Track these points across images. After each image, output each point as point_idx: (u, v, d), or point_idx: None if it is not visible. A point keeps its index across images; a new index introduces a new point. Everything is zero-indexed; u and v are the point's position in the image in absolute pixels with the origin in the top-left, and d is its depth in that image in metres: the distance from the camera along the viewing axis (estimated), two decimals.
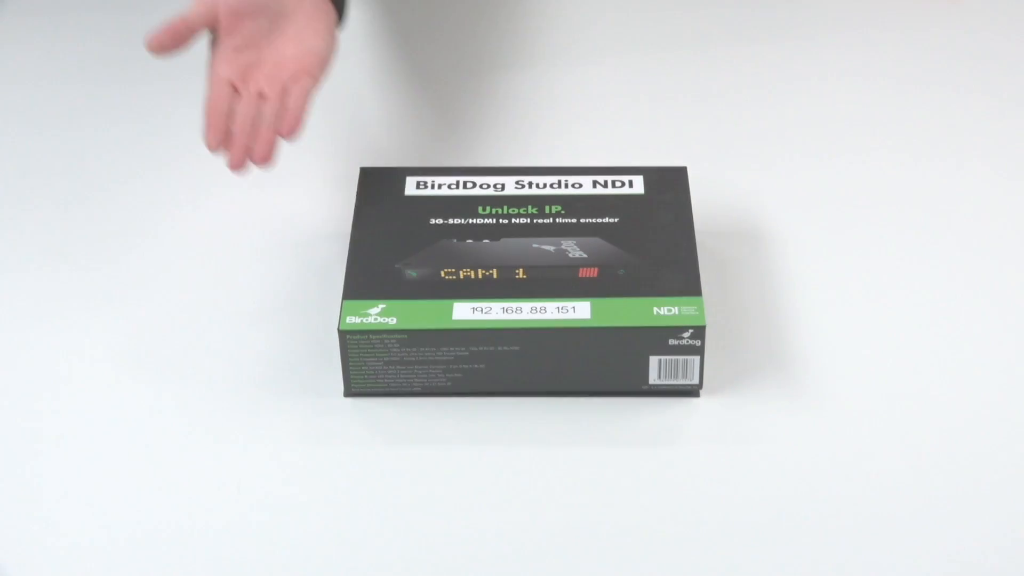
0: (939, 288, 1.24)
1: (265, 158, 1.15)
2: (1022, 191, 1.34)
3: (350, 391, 1.15)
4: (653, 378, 1.14)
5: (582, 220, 1.21)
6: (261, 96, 1.18)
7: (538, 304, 1.13)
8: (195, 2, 1.18)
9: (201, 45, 1.41)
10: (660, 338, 1.12)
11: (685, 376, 1.14)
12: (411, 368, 1.13)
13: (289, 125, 1.15)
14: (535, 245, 1.18)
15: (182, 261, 1.28)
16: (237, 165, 1.15)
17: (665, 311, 1.13)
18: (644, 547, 1.04)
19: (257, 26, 1.19)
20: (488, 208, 1.22)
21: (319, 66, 1.19)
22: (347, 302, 1.14)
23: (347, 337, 1.12)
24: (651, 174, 1.25)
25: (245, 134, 1.15)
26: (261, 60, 1.19)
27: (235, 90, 1.18)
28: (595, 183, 1.24)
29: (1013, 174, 1.36)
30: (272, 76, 1.18)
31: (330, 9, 1.22)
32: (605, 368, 1.13)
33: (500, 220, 1.21)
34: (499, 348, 1.12)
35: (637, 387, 1.14)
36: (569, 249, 1.18)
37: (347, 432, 1.13)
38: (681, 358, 1.13)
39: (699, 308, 1.13)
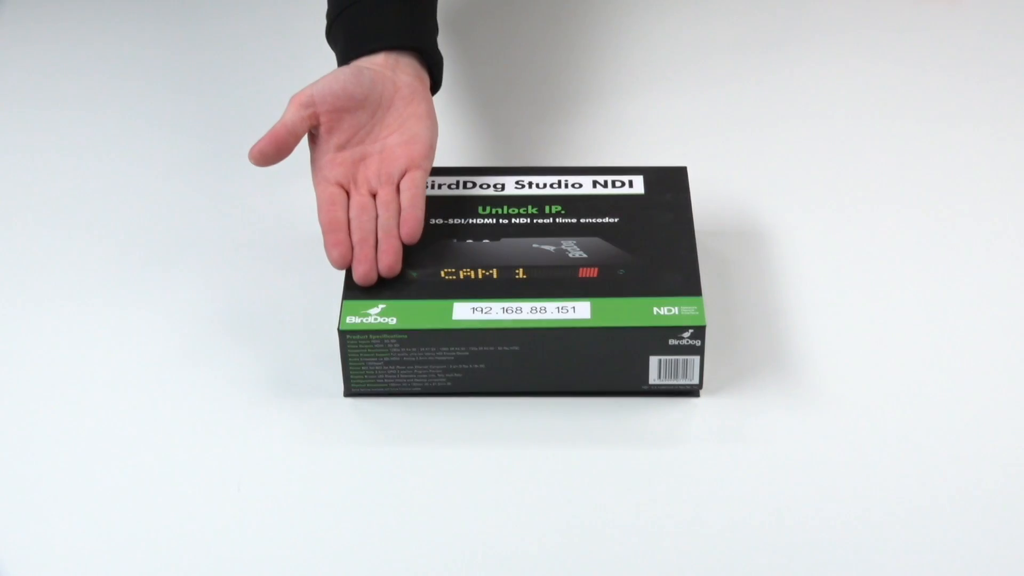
0: (939, 288, 1.24)
1: (392, 268, 1.14)
2: (1022, 191, 1.34)
3: (350, 391, 1.15)
4: (653, 378, 1.14)
5: (582, 220, 1.21)
6: (373, 195, 1.17)
7: (538, 304, 1.13)
8: (292, 106, 1.16)
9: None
10: (660, 338, 1.12)
11: (685, 376, 1.14)
12: (411, 368, 1.13)
13: (409, 230, 1.15)
14: (535, 245, 1.18)
15: (182, 261, 1.28)
16: (366, 280, 1.14)
17: (665, 311, 1.13)
18: (644, 547, 1.04)
19: (357, 120, 1.18)
20: (488, 208, 1.22)
21: (425, 154, 1.19)
22: (347, 302, 1.14)
23: (347, 337, 1.12)
24: (651, 174, 1.25)
25: (368, 246, 1.14)
26: (366, 154, 1.18)
27: (344, 191, 1.17)
28: (595, 183, 1.24)
29: (1013, 174, 1.36)
30: (381, 171, 1.18)
31: (424, 88, 1.20)
32: (605, 368, 1.13)
33: (500, 220, 1.21)
34: (499, 348, 1.12)
35: (637, 387, 1.14)
36: (569, 249, 1.18)
37: (347, 432, 1.13)
38: (681, 358, 1.13)
39: (699, 308, 1.13)
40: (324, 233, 1.15)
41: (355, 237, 1.15)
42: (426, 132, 1.19)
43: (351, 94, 1.17)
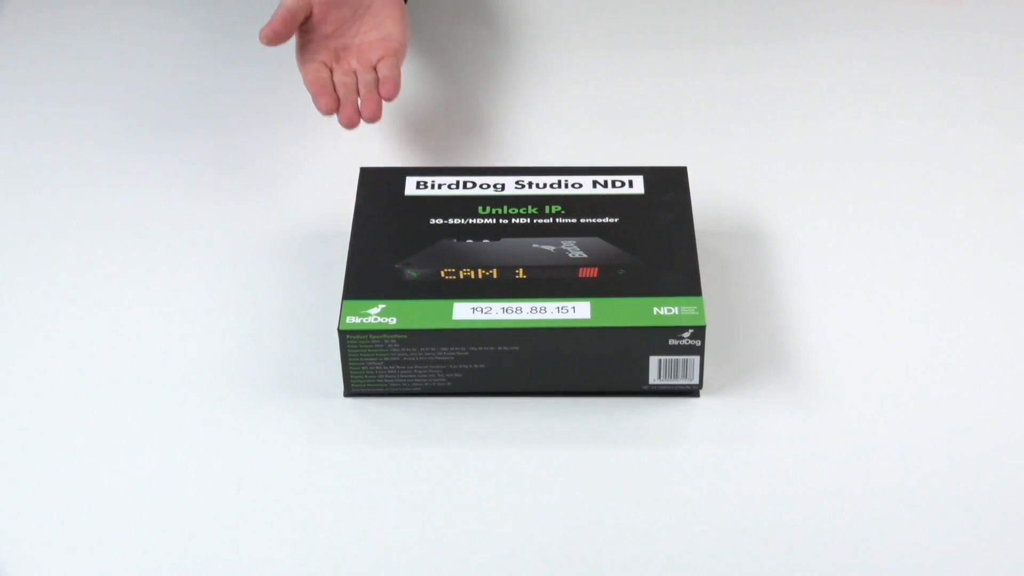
0: (939, 287, 1.24)
1: (375, 115, 1.27)
2: (1022, 191, 1.34)
3: (350, 391, 1.15)
4: (653, 378, 1.14)
5: (582, 220, 1.21)
6: (353, 72, 1.31)
7: (538, 304, 1.13)
8: None
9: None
10: (660, 338, 1.12)
11: (685, 376, 1.14)
12: (411, 368, 1.13)
13: (388, 89, 1.28)
14: (535, 245, 1.18)
15: (182, 261, 1.28)
16: (350, 123, 1.27)
17: (665, 311, 1.13)
18: (644, 547, 1.04)
19: (343, 15, 1.32)
20: (488, 208, 1.22)
21: (400, 50, 1.32)
22: (347, 302, 1.14)
23: (347, 337, 1.12)
24: (651, 174, 1.25)
25: (352, 96, 1.28)
26: (348, 46, 1.32)
27: (328, 68, 1.31)
28: (595, 183, 1.24)
29: (1013, 174, 1.36)
30: (360, 58, 1.32)
31: None
32: (605, 368, 1.13)
33: (500, 220, 1.21)
34: (499, 348, 1.12)
35: (637, 387, 1.14)
36: (569, 249, 1.18)
37: (347, 432, 1.13)
38: (681, 358, 1.13)
39: (699, 308, 1.13)
40: (312, 89, 1.28)
41: (340, 92, 1.28)
42: (399, 32, 1.33)
43: None
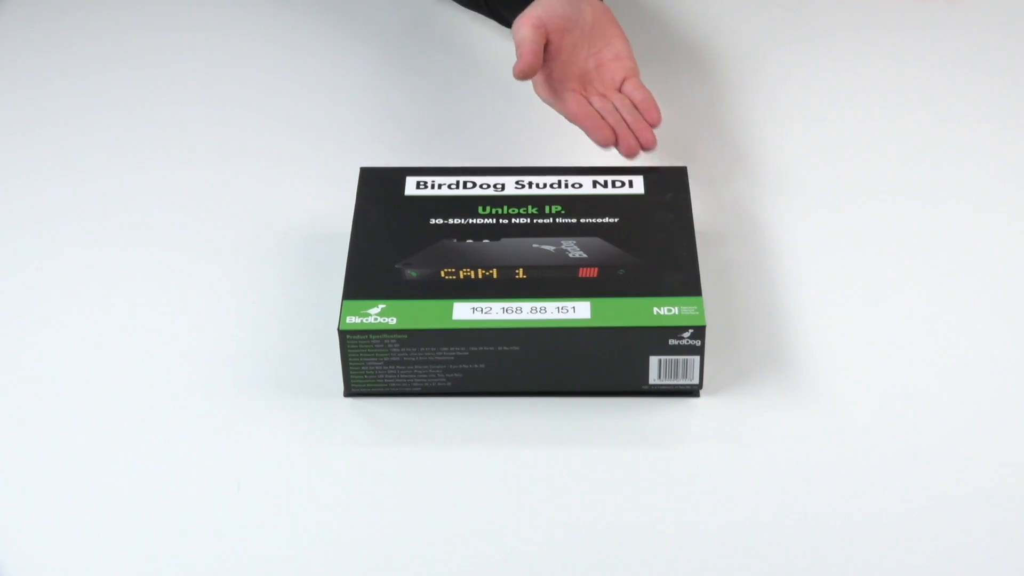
0: (939, 288, 1.24)
1: (652, 143, 1.29)
2: (1022, 190, 1.34)
3: (350, 391, 1.15)
4: (653, 378, 1.14)
5: (582, 220, 1.21)
6: (603, 96, 1.32)
7: (538, 304, 1.13)
8: (526, 27, 1.28)
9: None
10: (660, 338, 1.12)
11: (685, 376, 1.14)
12: (411, 368, 1.13)
13: (652, 115, 1.30)
14: (535, 245, 1.18)
15: (182, 261, 1.28)
16: (632, 152, 1.28)
17: (665, 311, 1.13)
18: (644, 547, 1.04)
19: (574, 39, 1.31)
20: (488, 208, 1.22)
21: (634, 67, 1.33)
22: (347, 302, 1.14)
23: (347, 337, 1.12)
24: (651, 174, 1.25)
25: (623, 125, 1.29)
26: (586, 68, 1.32)
27: (581, 95, 1.31)
28: (595, 183, 1.24)
29: (1013, 174, 1.36)
30: (604, 79, 1.33)
31: (608, 8, 1.34)
32: (605, 368, 1.13)
33: (500, 220, 1.21)
34: (499, 348, 1.12)
35: (637, 387, 1.14)
36: (569, 249, 1.18)
37: (347, 432, 1.13)
38: (681, 358, 1.13)
39: (699, 308, 1.13)
40: (584, 123, 1.28)
41: (610, 122, 1.29)
42: (626, 47, 1.34)
43: (568, 15, 1.30)
